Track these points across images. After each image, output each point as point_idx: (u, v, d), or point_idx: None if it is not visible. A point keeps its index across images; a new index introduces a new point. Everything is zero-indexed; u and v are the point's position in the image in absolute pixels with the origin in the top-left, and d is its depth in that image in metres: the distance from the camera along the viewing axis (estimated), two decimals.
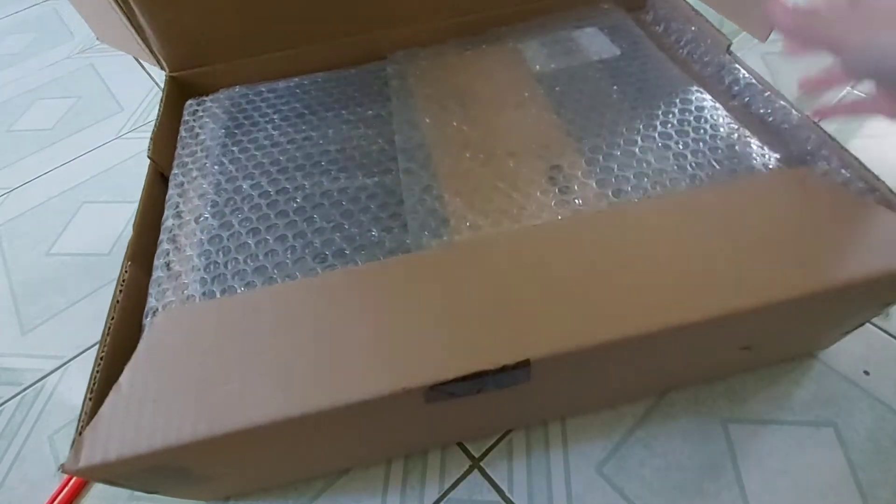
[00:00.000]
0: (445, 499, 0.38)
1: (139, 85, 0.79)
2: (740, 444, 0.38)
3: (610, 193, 0.34)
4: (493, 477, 0.39)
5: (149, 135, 0.43)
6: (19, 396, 0.48)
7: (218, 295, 0.32)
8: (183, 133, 0.43)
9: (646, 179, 0.35)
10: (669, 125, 0.38)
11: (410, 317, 0.28)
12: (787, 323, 0.33)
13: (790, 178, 0.33)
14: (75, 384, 0.48)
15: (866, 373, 0.39)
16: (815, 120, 0.36)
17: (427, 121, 0.40)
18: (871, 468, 0.36)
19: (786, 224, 0.30)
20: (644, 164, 0.36)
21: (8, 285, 0.56)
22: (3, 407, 0.47)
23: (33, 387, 0.48)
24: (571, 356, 0.27)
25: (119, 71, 0.83)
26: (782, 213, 0.31)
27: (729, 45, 0.43)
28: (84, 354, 0.50)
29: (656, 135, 0.38)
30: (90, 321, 0.53)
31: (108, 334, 0.31)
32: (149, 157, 0.41)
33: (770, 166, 0.35)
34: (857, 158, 0.33)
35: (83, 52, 0.88)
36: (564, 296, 0.28)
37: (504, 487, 0.38)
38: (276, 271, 0.33)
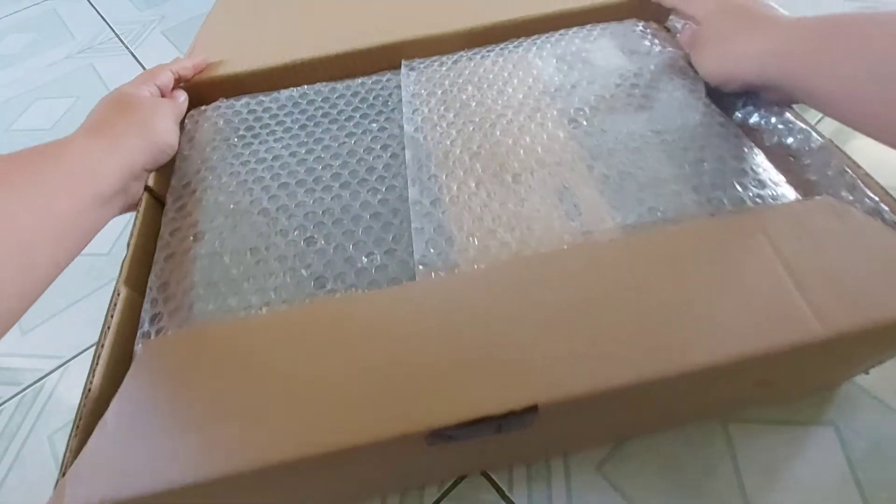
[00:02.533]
0: (445, 498, 0.38)
1: None
2: (740, 444, 0.38)
3: (623, 217, 0.32)
4: (492, 476, 0.38)
5: None
6: (19, 396, 0.47)
7: (214, 318, 0.30)
8: (182, 144, 0.41)
9: (662, 203, 0.33)
10: (689, 149, 0.35)
11: (410, 353, 0.26)
12: (818, 360, 0.31)
13: (816, 209, 0.30)
14: (75, 384, 0.48)
15: (866, 372, 0.39)
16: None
17: (436, 134, 0.38)
18: (872, 468, 0.36)
19: (814, 257, 0.28)
20: (660, 186, 0.34)
21: None
22: (2, 407, 0.47)
23: (33, 387, 0.48)
24: (583, 401, 0.25)
25: (119, 71, 0.82)
26: (808, 246, 0.28)
27: None
28: (84, 354, 0.50)
29: (674, 155, 0.35)
30: (90, 321, 0.52)
31: (96, 363, 0.29)
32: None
33: (791, 196, 0.32)
34: (882, 187, 0.31)
35: (83, 52, 0.87)
36: (575, 333, 0.26)
37: (504, 487, 0.38)
38: (274, 294, 0.31)
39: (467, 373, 0.25)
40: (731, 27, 0.36)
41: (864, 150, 0.36)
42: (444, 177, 0.36)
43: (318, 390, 0.25)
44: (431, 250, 0.32)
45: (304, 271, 0.32)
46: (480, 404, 0.24)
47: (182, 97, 0.43)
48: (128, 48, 0.86)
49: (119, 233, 0.59)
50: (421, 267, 0.31)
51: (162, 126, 0.38)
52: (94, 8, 0.98)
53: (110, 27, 0.92)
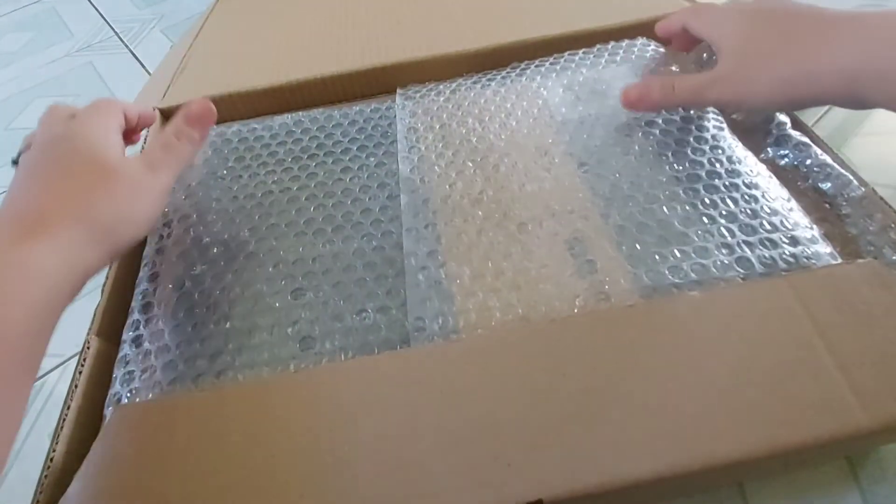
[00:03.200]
0: None
1: (139, 84, 0.77)
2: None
3: (642, 275, 0.29)
4: None
5: (146, 133, 0.40)
6: None
7: (190, 383, 0.28)
8: None
9: (685, 261, 0.30)
10: (714, 193, 0.32)
11: (402, 437, 0.24)
12: (857, 443, 0.28)
13: (859, 276, 0.27)
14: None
15: None
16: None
17: (434, 175, 0.36)
18: (870, 466, 0.35)
19: (857, 334, 0.25)
20: (683, 240, 0.31)
21: None
22: None
23: (33, 385, 0.48)
24: (592, 496, 0.22)
25: (118, 70, 0.80)
26: (851, 320, 0.25)
27: None
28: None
29: (698, 203, 0.32)
30: (90, 320, 0.52)
31: (60, 427, 0.26)
32: None
33: (826, 252, 0.29)
34: None
35: (82, 51, 0.85)
36: (585, 418, 0.24)
37: None
38: (257, 355, 0.29)
39: (464, 460, 0.23)
40: (784, 39, 0.29)
41: (865, 149, 0.34)
42: (442, 225, 0.33)
43: (301, 473, 0.23)
44: (427, 311, 0.29)
45: (289, 329, 0.30)
46: (480, 497, 0.22)
47: (191, 144, 0.31)
48: (127, 46, 0.85)
49: None
50: (416, 333, 0.29)
51: (145, 214, 0.27)
52: (94, 6, 0.96)
53: (109, 25, 0.91)
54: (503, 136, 0.38)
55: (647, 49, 0.43)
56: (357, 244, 0.33)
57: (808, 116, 0.33)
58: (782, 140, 0.36)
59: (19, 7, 0.99)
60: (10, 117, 0.74)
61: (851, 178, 0.32)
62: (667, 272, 0.29)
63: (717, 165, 0.34)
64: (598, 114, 0.38)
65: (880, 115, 0.53)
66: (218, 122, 0.43)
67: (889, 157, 0.48)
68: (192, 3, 0.92)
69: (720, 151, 0.35)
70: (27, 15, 0.97)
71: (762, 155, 0.36)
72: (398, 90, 0.43)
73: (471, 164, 0.36)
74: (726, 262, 0.29)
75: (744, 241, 0.30)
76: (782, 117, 0.37)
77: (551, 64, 0.43)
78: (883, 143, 0.50)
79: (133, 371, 0.29)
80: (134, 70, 0.80)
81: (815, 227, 0.31)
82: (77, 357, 0.48)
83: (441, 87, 0.43)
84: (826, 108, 0.55)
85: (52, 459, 0.26)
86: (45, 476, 0.25)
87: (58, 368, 0.48)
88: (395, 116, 0.41)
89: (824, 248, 0.30)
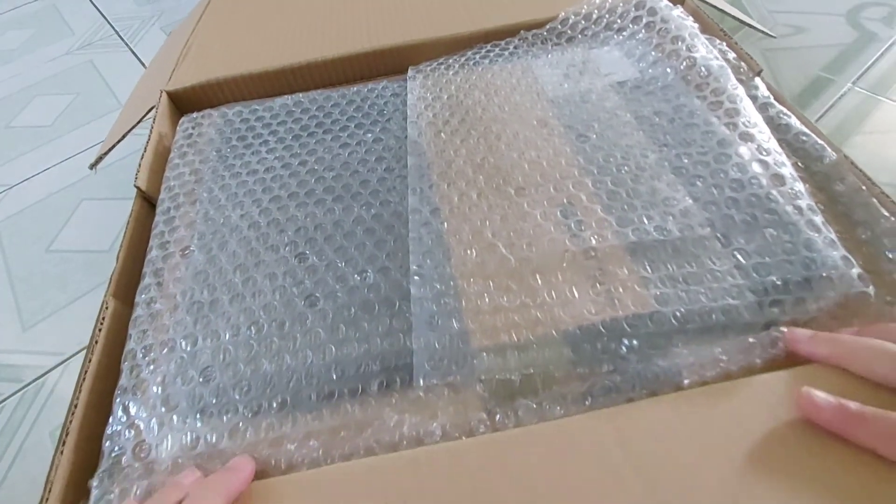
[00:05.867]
0: None
1: None
2: None
3: (628, 233, 0.31)
4: None
5: (147, 132, 0.41)
6: (20, 393, 0.47)
7: (200, 341, 0.29)
8: (173, 154, 0.40)
9: (671, 223, 0.30)
10: (703, 167, 0.33)
11: None
12: None
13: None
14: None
15: None
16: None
17: (440, 141, 0.37)
18: None
19: None
20: (668, 206, 0.32)
21: (8, 282, 0.55)
22: (4, 404, 0.47)
23: (34, 383, 0.48)
24: None
25: (118, 67, 0.81)
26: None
27: (760, 72, 0.39)
28: (85, 351, 0.50)
29: (687, 174, 0.33)
30: (91, 317, 0.52)
31: (83, 379, 0.28)
32: (135, 185, 0.38)
33: (854, 274, 0.27)
34: None
35: (82, 49, 0.85)
36: None
37: None
38: (263, 314, 0.30)
39: None
40: None
41: (866, 146, 0.35)
42: (445, 186, 0.35)
43: None
44: (428, 262, 0.31)
45: (294, 289, 0.31)
46: None
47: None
48: (127, 44, 0.85)
49: (120, 228, 0.59)
50: (417, 278, 0.30)
51: None
52: (93, 4, 0.96)
53: (109, 23, 0.91)
54: (506, 108, 0.40)
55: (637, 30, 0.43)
56: (357, 212, 0.35)
57: (810, 115, 0.33)
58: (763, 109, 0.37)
59: (19, 5, 1.00)
60: (10, 115, 0.75)
61: (825, 144, 0.34)
62: (652, 230, 0.31)
63: (709, 139, 0.35)
64: (596, 91, 0.40)
65: (882, 114, 0.54)
66: (221, 104, 0.44)
67: (890, 154, 0.48)
68: (192, 0, 0.93)
69: (711, 126, 0.36)
70: (27, 12, 0.98)
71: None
72: (410, 68, 0.44)
73: (475, 133, 0.38)
74: (709, 223, 0.31)
75: (729, 198, 0.32)
76: (764, 91, 0.38)
77: (555, 43, 0.45)
78: (884, 140, 0.51)
79: (146, 330, 0.30)
80: (133, 67, 0.81)
81: (796, 186, 0.31)
82: (78, 354, 0.48)
83: (451, 60, 0.44)
84: (827, 105, 0.56)
85: (75, 406, 0.27)
86: (70, 421, 0.27)
87: (58, 367, 0.49)
88: (391, 96, 0.43)
89: (786, 205, 0.31)
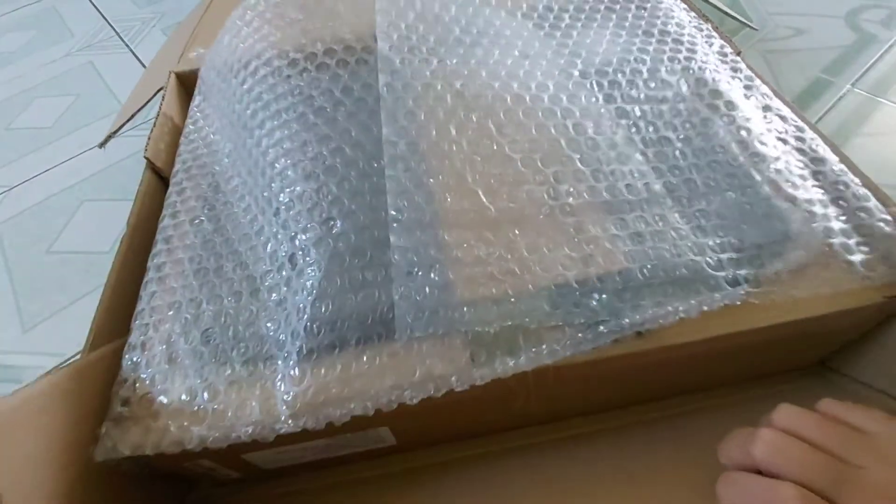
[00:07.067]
0: None
1: None
2: None
3: (601, 189, 0.31)
4: None
5: (148, 132, 0.41)
6: None
7: (205, 304, 0.30)
8: (189, 127, 0.40)
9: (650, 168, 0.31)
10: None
11: None
12: None
13: None
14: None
15: None
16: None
17: (415, 59, 0.34)
18: None
19: None
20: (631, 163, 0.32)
21: (9, 283, 0.55)
22: None
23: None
24: None
25: (119, 69, 0.80)
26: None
27: (738, 53, 0.39)
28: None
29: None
30: (92, 319, 0.52)
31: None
32: (145, 157, 0.39)
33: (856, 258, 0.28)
34: None
35: (82, 50, 0.85)
36: None
37: None
38: (260, 281, 0.31)
39: None
40: None
41: (866, 148, 0.35)
42: (422, 116, 0.31)
43: None
44: (405, 204, 0.28)
45: (281, 252, 0.31)
46: None
47: None
48: (128, 46, 0.85)
49: (120, 231, 0.58)
50: (395, 225, 0.28)
51: None
52: (94, 5, 0.96)
53: (110, 25, 0.91)
54: (490, 32, 0.36)
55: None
56: (354, 184, 0.31)
57: (810, 116, 0.33)
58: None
59: (19, 6, 0.99)
60: (10, 117, 0.74)
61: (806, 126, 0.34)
62: (623, 189, 0.31)
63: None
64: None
65: (882, 115, 0.55)
66: None
67: (890, 155, 0.48)
68: (192, 1, 0.93)
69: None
70: (27, 14, 0.97)
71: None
72: None
73: (453, 56, 0.34)
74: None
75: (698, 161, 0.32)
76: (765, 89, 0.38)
77: None
78: (884, 142, 0.51)
79: (154, 291, 0.32)
80: (134, 69, 0.80)
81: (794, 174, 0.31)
82: (78, 355, 0.48)
83: None
84: (827, 107, 0.57)
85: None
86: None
87: None
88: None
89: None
